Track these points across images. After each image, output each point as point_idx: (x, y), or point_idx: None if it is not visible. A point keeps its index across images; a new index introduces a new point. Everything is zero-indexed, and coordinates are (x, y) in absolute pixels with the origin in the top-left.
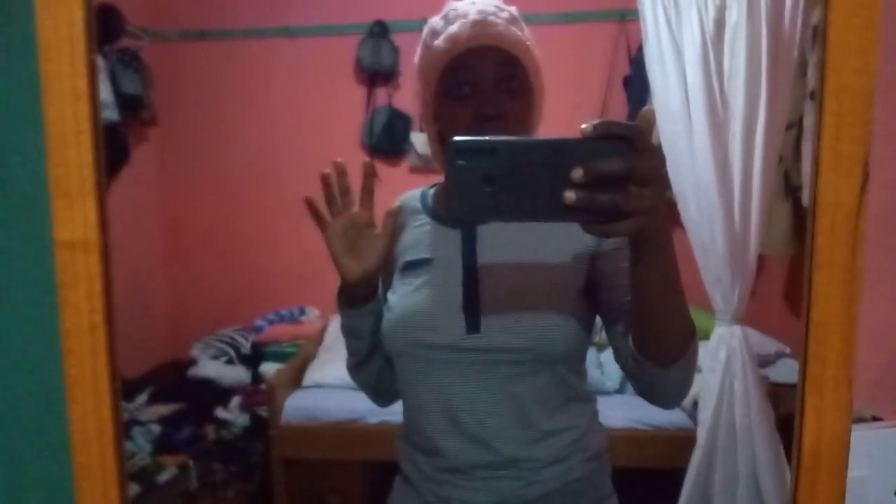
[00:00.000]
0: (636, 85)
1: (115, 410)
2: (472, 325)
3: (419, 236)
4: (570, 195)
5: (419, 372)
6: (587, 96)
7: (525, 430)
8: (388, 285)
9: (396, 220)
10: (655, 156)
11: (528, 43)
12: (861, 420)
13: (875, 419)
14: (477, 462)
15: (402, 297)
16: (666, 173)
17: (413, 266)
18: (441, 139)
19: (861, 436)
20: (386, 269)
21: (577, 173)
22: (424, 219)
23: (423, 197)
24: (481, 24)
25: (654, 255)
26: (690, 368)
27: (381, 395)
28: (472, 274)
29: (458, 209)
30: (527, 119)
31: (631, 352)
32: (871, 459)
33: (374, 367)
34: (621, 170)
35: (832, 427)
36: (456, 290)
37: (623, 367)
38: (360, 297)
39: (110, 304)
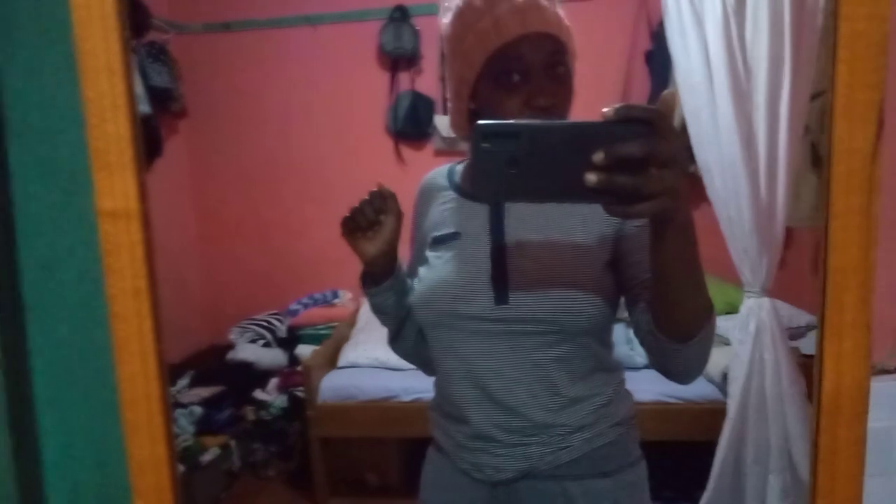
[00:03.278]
0: (658, 60)
1: (161, 370)
2: (501, 297)
3: (447, 212)
4: (591, 177)
5: (449, 342)
6: (609, 73)
7: (552, 398)
8: (419, 262)
9: (397, 204)
10: (676, 139)
11: (568, 23)
12: (885, 372)
13: None
14: (506, 428)
15: (431, 269)
16: (688, 150)
17: (442, 241)
18: (472, 117)
19: (885, 387)
20: (417, 247)
21: (599, 156)
22: (451, 195)
23: (450, 173)
24: (533, 10)
25: (674, 236)
26: (707, 345)
27: (427, 366)
28: (500, 246)
29: (482, 191)
30: (570, 103)
31: (649, 327)
32: (895, 410)
33: (408, 340)
34: (642, 153)
35: (852, 372)
36: (484, 262)
37: (641, 342)
38: (377, 275)
39: (153, 269)
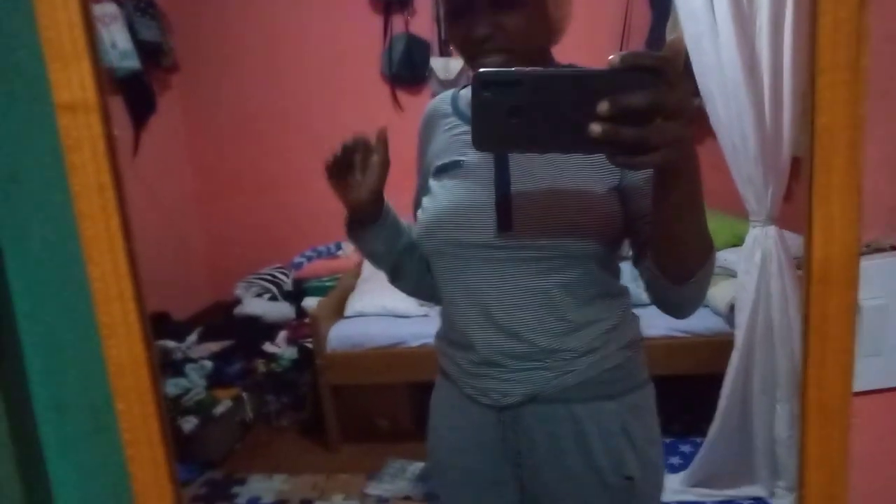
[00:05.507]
0: None
1: (133, 270)
2: (504, 223)
3: (450, 139)
4: (595, 128)
5: (453, 270)
6: (609, 6)
7: (557, 323)
8: (423, 192)
9: (385, 151)
10: (683, 88)
11: None
12: (879, 250)
13: (894, 248)
14: (511, 354)
15: (435, 198)
16: (692, 92)
17: (445, 169)
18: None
19: (879, 265)
20: (421, 177)
21: (603, 106)
22: (455, 121)
23: (454, 100)
24: None
25: (679, 185)
26: (705, 283)
27: (433, 299)
28: (503, 173)
29: (483, 140)
30: (531, 30)
31: (648, 265)
32: (890, 287)
33: (409, 278)
34: (647, 103)
35: (842, 237)
36: (488, 189)
37: (640, 275)
38: (364, 221)
39: (116, 165)
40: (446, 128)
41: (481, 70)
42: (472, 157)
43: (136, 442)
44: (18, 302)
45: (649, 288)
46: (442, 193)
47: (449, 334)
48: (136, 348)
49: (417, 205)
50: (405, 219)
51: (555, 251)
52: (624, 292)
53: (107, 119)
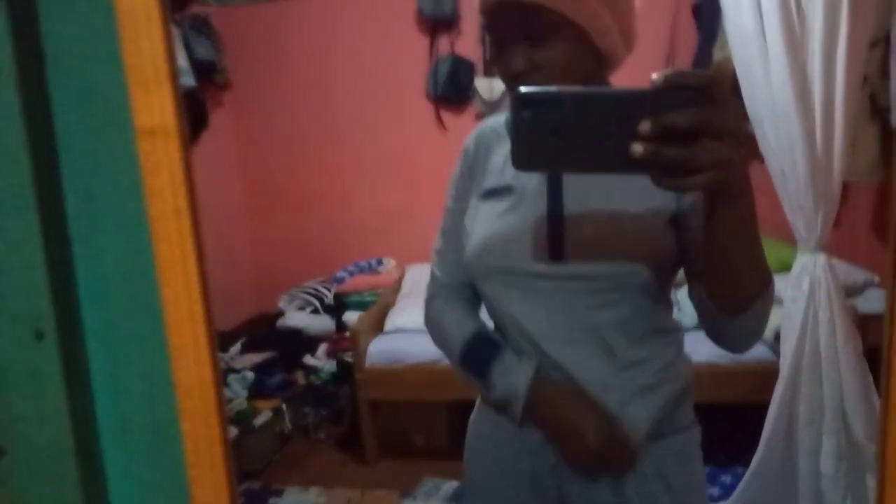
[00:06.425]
0: (706, 12)
1: (205, 292)
2: (556, 253)
3: (502, 162)
4: (637, 148)
5: (500, 299)
6: (654, 27)
7: (607, 360)
8: (462, 213)
9: None
10: (731, 107)
11: None
12: None
13: None
14: None
15: (484, 223)
16: (742, 115)
17: (495, 193)
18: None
19: None
20: (460, 196)
21: (645, 126)
22: (508, 144)
23: (508, 122)
24: None
25: (728, 209)
26: (762, 317)
27: None
28: (557, 201)
29: (523, 160)
30: (571, 64)
31: (701, 296)
32: None
33: None
34: (691, 123)
35: None
36: (540, 216)
37: (695, 307)
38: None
39: (192, 190)
40: (498, 150)
41: (521, 89)
42: (524, 181)
43: (198, 463)
44: (88, 319)
45: (703, 319)
46: (491, 218)
47: None
48: (204, 370)
49: (451, 229)
50: (427, 241)
51: (608, 282)
52: (677, 329)
53: (185, 145)
